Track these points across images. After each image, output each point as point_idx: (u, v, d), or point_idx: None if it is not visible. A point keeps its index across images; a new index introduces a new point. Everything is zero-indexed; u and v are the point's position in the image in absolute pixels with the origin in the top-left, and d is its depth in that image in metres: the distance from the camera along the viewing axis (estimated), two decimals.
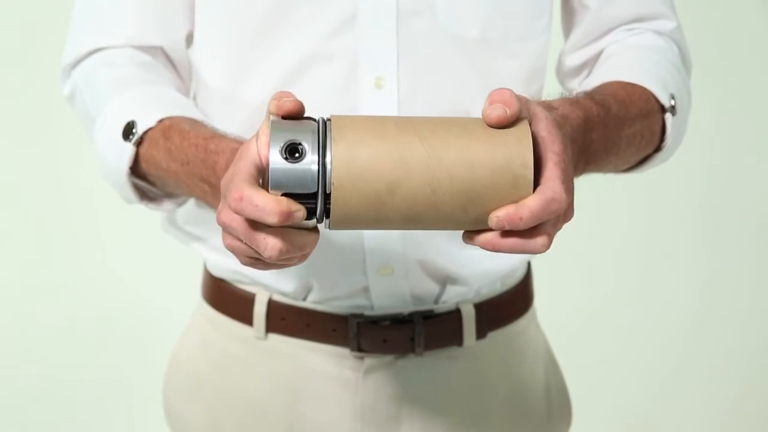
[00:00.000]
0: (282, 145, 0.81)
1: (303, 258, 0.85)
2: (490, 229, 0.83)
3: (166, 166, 1.03)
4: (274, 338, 1.19)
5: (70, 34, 1.16)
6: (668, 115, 1.10)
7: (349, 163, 0.81)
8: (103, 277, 2.36)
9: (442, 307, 1.17)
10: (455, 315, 1.18)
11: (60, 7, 1.18)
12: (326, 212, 0.82)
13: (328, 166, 0.81)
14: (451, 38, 1.09)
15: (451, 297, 1.17)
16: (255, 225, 0.82)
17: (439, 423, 1.19)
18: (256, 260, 0.85)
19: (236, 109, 1.12)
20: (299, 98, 0.84)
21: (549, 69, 1.19)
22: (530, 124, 0.84)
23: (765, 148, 2.36)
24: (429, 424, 1.18)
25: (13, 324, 2.36)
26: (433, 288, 1.16)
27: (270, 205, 0.80)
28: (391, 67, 1.08)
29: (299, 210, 0.81)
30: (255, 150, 0.83)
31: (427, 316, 1.16)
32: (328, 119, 0.83)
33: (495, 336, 1.21)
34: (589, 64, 1.20)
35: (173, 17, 1.14)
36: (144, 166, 1.06)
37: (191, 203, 1.18)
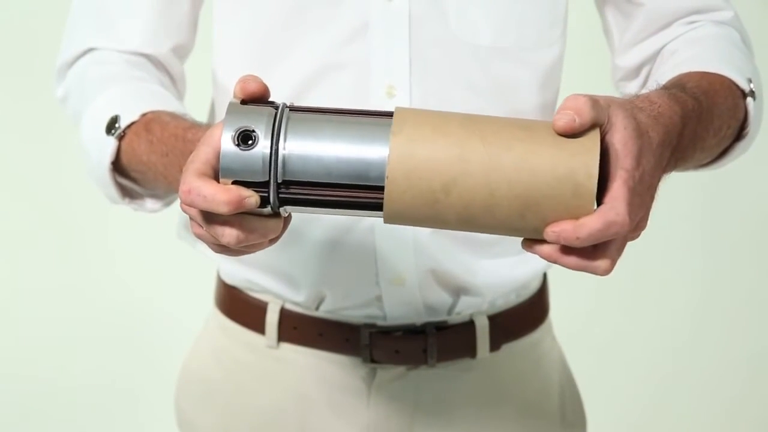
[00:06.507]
0: (234, 131, 0.79)
1: (272, 242, 0.83)
2: None
3: (146, 159, 1.02)
4: (286, 347, 1.18)
5: (66, 35, 1.16)
6: (749, 100, 1.05)
7: (406, 158, 0.78)
8: (113, 284, 2.36)
9: (455, 318, 1.17)
10: (469, 326, 1.17)
11: (68, 7, 1.18)
12: (284, 201, 0.80)
13: (281, 154, 0.79)
14: (464, 46, 1.09)
15: (464, 308, 1.17)
16: (210, 214, 0.80)
17: None
18: (224, 247, 0.83)
19: None
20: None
21: (563, 77, 1.19)
22: (607, 132, 0.80)
23: (766, 149, 2.36)
24: None
25: (20, 329, 2.35)
26: (446, 298, 1.16)
27: (219, 195, 0.78)
28: (403, 75, 1.08)
29: (251, 197, 0.79)
30: (218, 135, 0.80)
31: (441, 327, 1.16)
32: (288, 106, 0.81)
33: (509, 348, 1.20)
34: (648, 63, 1.15)
35: (164, 28, 1.14)
36: (125, 160, 1.05)
37: None
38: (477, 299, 1.17)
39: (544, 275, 1.26)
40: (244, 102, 0.81)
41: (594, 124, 0.79)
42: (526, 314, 1.22)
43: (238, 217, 0.80)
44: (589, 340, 2.35)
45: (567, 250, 0.80)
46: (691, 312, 2.49)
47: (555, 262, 0.81)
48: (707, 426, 2.49)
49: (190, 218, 0.83)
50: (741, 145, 1.07)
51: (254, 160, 0.79)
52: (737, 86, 1.04)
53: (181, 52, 1.17)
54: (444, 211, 0.80)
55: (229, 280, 1.22)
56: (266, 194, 0.80)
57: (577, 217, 0.78)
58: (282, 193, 0.80)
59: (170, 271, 2.25)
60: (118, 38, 1.13)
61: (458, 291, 1.16)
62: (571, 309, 2.30)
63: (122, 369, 2.35)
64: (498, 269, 1.16)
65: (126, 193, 1.09)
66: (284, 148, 0.79)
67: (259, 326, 1.19)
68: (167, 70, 1.16)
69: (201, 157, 0.81)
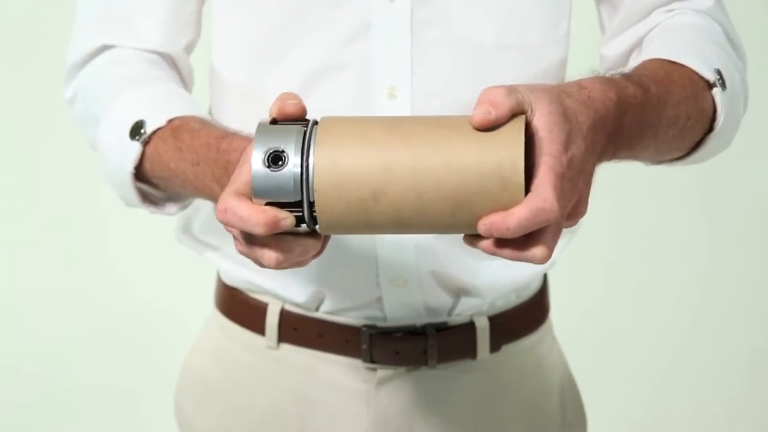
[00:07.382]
0: (264, 152, 0.79)
1: (315, 257, 0.84)
2: None
3: (174, 167, 1.01)
4: (286, 348, 1.18)
5: (75, 34, 1.15)
6: (716, 90, 1.01)
7: (331, 170, 0.78)
8: (113, 284, 2.36)
9: (455, 319, 1.16)
10: (469, 327, 1.17)
11: (72, 6, 1.18)
12: (316, 219, 0.80)
13: (311, 172, 0.79)
14: (466, 46, 1.08)
15: (464, 309, 1.16)
16: (249, 235, 0.80)
17: None
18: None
19: (254, 122, 1.11)
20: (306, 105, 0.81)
21: (566, 76, 1.18)
22: (531, 120, 0.80)
23: (766, 149, 2.36)
24: None
25: (20, 329, 2.35)
26: (447, 300, 1.16)
27: (254, 217, 0.78)
28: (405, 76, 1.08)
29: (286, 218, 0.79)
30: None
31: (441, 329, 1.16)
32: (318, 123, 0.81)
33: (509, 349, 1.20)
34: (634, 52, 1.14)
35: (177, 26, 1.14)
36: (149, 166, 1.04)
37: (208, 212, 1.18)
38: (477, 300, 1.16)
39: (545, 276, 1.26)
40: (274, 121, 0.81)
41: (514, 113, 0.79)
42: (527, 315, 1.22)
43: (276, 238, 0.80)
44: (589, 340, 2.35)
45: (502, 242, 0.80)
46: (691, 311, 2.49)
47: (494, 254, 0.80)
48: (707, 425, 2.49)
49: (234, 237, 0.83)
50: (714, 138, 1.04)
51: (285, 180, 0.78)
52: (701, 76, 1.02)
53: (190, 49, 1.17)
54: (375, 218, 0.79)
55: (229, 281, 1.21)
56: (301, 213, 0.79)
57: (508, 209, 0.78)
58: (315, 211, 0.80)
59: (170, 271, 2.25)
60: (136, 36, 1.12)
61: (459, 292, 1.16)
62: (571, 309, 2.31)
63: (122, 369, 2.35)
64: (498, 270, 1.16)
65: (145, 198, 1.08)
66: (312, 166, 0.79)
67: (259, 327, 1.19)
68: (178, 68, 1.15)
69: (242, 177, 0.81)
